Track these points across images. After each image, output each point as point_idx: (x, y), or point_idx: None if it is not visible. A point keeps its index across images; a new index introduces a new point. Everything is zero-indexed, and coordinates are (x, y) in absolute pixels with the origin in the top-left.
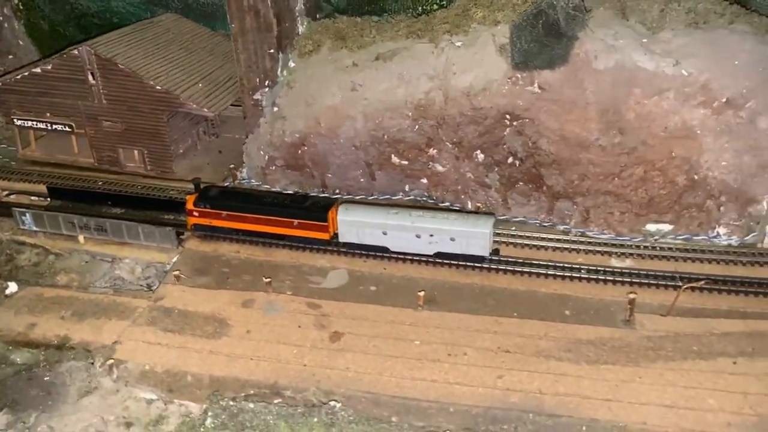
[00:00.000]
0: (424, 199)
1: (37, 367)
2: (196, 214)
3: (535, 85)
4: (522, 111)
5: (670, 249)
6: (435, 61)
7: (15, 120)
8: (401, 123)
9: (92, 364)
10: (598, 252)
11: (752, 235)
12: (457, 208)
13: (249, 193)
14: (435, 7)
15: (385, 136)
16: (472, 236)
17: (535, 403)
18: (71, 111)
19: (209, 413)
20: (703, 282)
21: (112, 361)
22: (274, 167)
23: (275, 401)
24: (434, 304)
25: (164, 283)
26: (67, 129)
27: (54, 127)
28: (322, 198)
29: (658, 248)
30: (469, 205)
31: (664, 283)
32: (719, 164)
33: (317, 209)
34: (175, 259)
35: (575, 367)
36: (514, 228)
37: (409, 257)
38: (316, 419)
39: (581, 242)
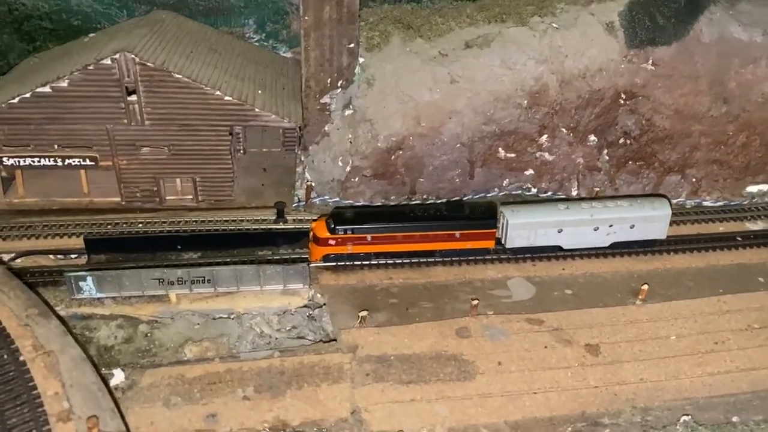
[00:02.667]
0: (521, 191)
1: None
2: (332, 242)
3: (650, 62)
4: (638, 89)
5: None
6: (539, 44)
7: (4, 159)
8: (513, 113)
9: None
10: (733, 219)
11: None
12: (617, 196)
13: (389, 211)
14: None
15: (497, 129)
16: (654, 220)
17: None
18: (94, 139)
19: None
20: None
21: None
22: (357, 178)
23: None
24: (653, 295)
25: (344, 329)
26: (88, 163)
27: (67, 162)
28: (477, 204)
29: None
30: (573, 192)
31: None
32: None
33: (481, 217)
34: (315, 298)
35: None
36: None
37: (578, 252)
38: None
39: (708, 212)
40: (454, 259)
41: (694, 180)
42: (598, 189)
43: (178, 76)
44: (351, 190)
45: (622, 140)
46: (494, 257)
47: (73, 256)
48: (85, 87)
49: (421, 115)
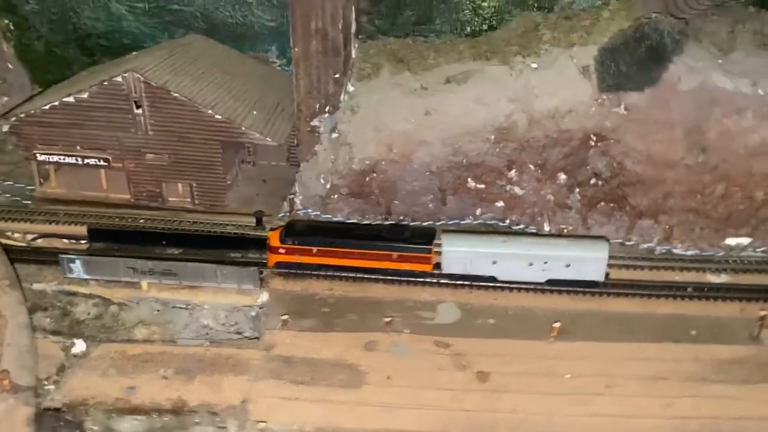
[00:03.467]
0: (495, 222)
1: None
2: (282, 251)
3: (622, 106)
4: (609, 132)
5: (756, 262)
6: (514, 83)
7: (38, 155)
8: (481, 147)
9: (224, 428)
10: (693, 269)
11: None
12: (561, 234)
13: (338, 226)
14: (485, 27)
15: (464, 161)
16: (589, 261)
17: (715, 430)
18: (108, 143)
19: None
20: None
21: (264, 424)
22: (336, 196)
23: None
24: (567, 335)
25: (269, 329)
26: (102, 163)
27: (86, 161)
28: (420, 228)
29: (745, 262)
30: (546, 228)
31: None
32: None
33: (419, 239)
34: (261, 301)
35: (731, 388)
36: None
37: (517, 286)
38: None
39: (671, 260)
40: (395, 278)
41: (666, 227)
42: (565, 227)
43: (175, 94)
44: (330, 206)
45: (593, 181)
46: (433, 281)
47: (83, 241)
48: (100, 99)
49: (394, 142)
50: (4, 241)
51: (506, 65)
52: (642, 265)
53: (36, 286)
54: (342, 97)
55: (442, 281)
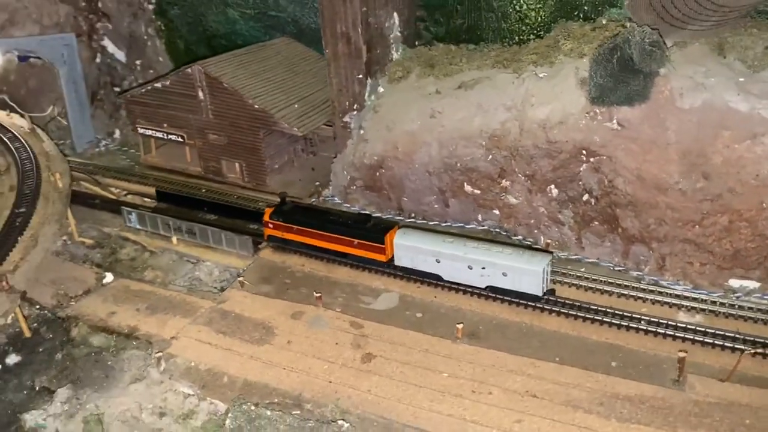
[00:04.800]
0: (497, 230)
1: (106, 351)
2: (270, 226)
3: (614, 121)
4: (598, 147)
5: (750, 309)
6: (514, 91)
7: (139, 128)
8: (474, 152)
9: (150, 354)
10: (667, 303)
11: None
12: (516, 243)
13: (319, 210)
14: (532, 37)
15: (458, 164)
16: (525, 273)
17: None
18: (183, 123)
19: (230, 414)
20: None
21: (160, 354)
22: (354, 187)
23: (294, 412)
24: (476, 339)
25: (231, 288)
26: (180, 139)
27: (169, 137)
28: (384, 221)
29: (736, 306)
30: (542, 241)
31: (728, 344)
32: None
33: (376, 231)
34: (250, 263)
35: (603, 422)
36: (583, 269)
37: (462, 288)
38: None
39: (649, 291)
40: (358, 265)
41: (659, 256)
42: (549, 241)
43: (226, 85)
44: (350, 196)
45: (585, 197)
46: (388, 271)
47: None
48: (178, 86)
49: (400, 141)
50: (103, 192)
51: (515, 73)
52: (610, 290)
53: (105, 229)
54: (369, 97)
55: (396, 273)
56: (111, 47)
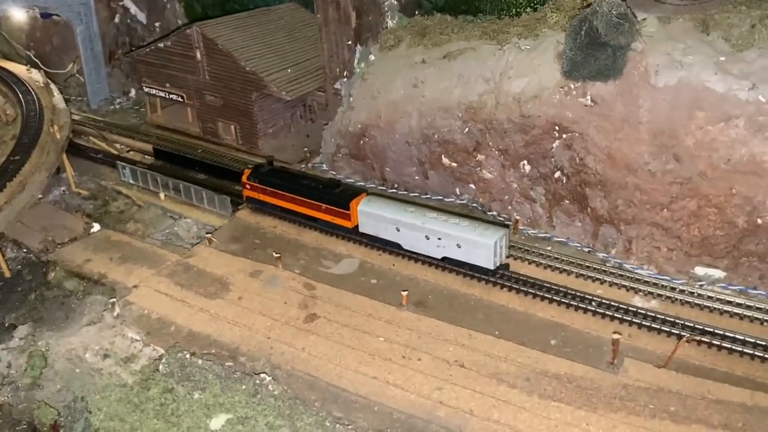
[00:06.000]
0: (474, 205)
1: (74, 295)
2: (248, 187)
3: (588, 97)
4: (571, 123)
5: (709, 298)
6: (495, 63)
7: (144, 87)
8: (452, 124)
9: (112, 299)
10: (624, 287)
11: None
12: (478, 217)
13: (294, 174)
14: (528, 10)
15: (436, 136)
16: (477, 245)
17: (459, 423)
18: (183, 83)
19: (164, 360)
20: (702, 337)
21: (114, 299)
22: (340, 155)
23: (227, 364)
24: (422, 308)
25: (200, 245)
26: (180, 99)
27: (170, 96)
28: (352, 187)
29: (695, 294)
30: (514, 217)
31: (675, 331)
32: None
33: (343, 197)
34: (223, 224)
35: (524, 397)
36: (550, 248)
37: (421, 258)
38: (244, 386)
39: (609, 273)
40: (326, 229)
41: (626, 239)
42: (518, 218)
43: (221, 47)
44: (336, 164)
45: (557, 175)
46: (353, 237)
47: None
48: (178, 47)
49: (383, 110)
50: (108, 148)
51: (499, 45)
52: (569, 270)
53: (102, 182)
54: (358, 64)
55: (361, 240)
56: (133, 8)
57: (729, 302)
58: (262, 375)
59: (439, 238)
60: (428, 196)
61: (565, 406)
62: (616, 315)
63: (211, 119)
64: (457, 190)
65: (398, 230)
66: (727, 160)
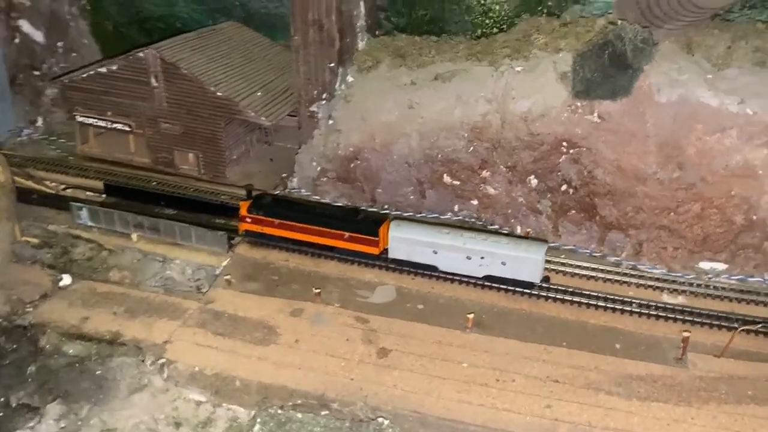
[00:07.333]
0: (473, 220)
1: (89, 360)
2: (248, 220)
3: (595, 114)
4: (579, 139)
5: (723, 289)
6: (494, 84)
7: (77, 116)
8: (456, 143)
9: (143, 361)
10: (650, 287)
11: None
12: (507, 232)
13: (301, 203)
14: (495, 30)
15: (439, 156)
16: (524, 261)
17: None
18: (132, 111)
19: (258, 420)
20: (760, 325)
21: (163, 360)
22: (325, 179)
23: (322, 413)
24: (482, 328)
25: (215, 287)
26: (127, 128)
27: (114, 125)
28: (373, 213)
29: (711, 287)
30: (519, 230)
31: (717, 323)
32: None
33: (369, 224)
34: (225, 263)
35: (625, 402)
36: (563, 256)
37: (458, 278)
38: None
39: (633, 275)
40: (348, 258)
41: (636, 242)
42: (529, 230)
43: (185, 71)
44: (320, 188)
45: (564, 187)
46: (380, 264)
47: (103, 195)
48: (127, 71)
49: (377, 132)
50: (39, 187)
51: (492, 66)
52: (596, 276)
53: (50, 227)
54: (340, 86)
55: (389, 266)
56: (26, 26)
57: (741, 291)
58: (380, 419)
59: (482, 257)
60: (423, 214)
61: (663, 404)
62: (660, 314)
63: (166, 148)
64: (456, 207)
65: (435, 253)
66: (725, 166)
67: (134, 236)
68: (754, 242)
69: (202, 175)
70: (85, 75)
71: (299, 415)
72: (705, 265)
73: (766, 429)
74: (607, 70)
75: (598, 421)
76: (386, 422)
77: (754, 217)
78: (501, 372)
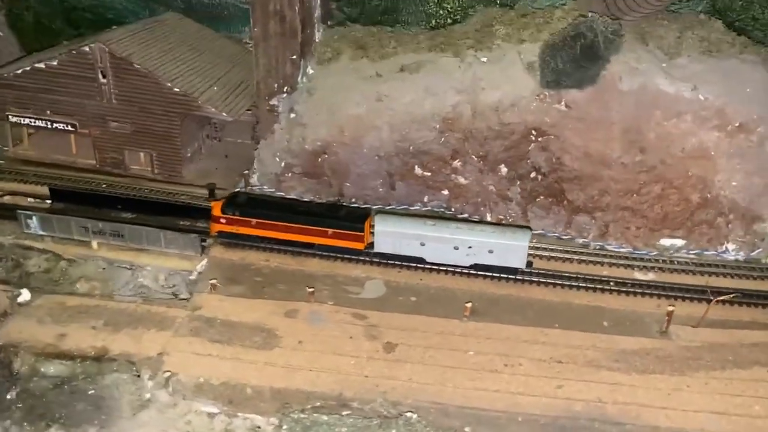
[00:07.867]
0: (442, 210)
1: (76, 380)
2: (222, 221)
3: (562, 103)
4: (548, 128)
5: (686, 263)
6: (461, 75)
7: (10, 117)
8: (427, 135)
9: (138, 376)
10: (621, 265)
11: (757, 251)
12: (488, 221)
13: (280, 201)
14: (449, 21)
15: (411, 147)
16: (511, 249)
17: (599, 412)
18: (75, 110)
19: (284, 426)
20: (733, 295)
21: (168, 373)
22: (290, 174)
23: (344, 413)
24: (477, 315)
25: (198, 292)
26: (70, 128)
27: (55, 125)
28: (356, 208)
29: (675, 262)
30: (488, 217)
31: (689, 296)
32: (730, 184)
33: (352, 219)
34: (200, 267)
35: (627, 376)
36: (534, 240)
37: (444, 268)
38: (394, 431)
39: (605, 255)
40: (331, 254)
41: (602, 223)
42: (502, 218)
43: (138, 66)
44: (284, 184)
45: (533, 174)
46: (365, 258)
47: (48, 201)
48: (69, 67)
49: (346, 125)
50: None
51: (457, 57)
52: (571, 258)
53: None
54: (301, 78)
55: (374, 260)
56: None
57: (704, 264)
58: (408, 414)
59: (470, 247)
60: (392, 206)
61: (660, 375)
62: (638, 291)
63: (115, 148)
64: (425, 197)
65: (422, 245)
66: (682, 148)
67: (95, 243)
68: (708, 218)
69: (155, 175)
70: (19, 71)
71: (324, 417)
72: (666, 241)
73: (752, 390)
74: (580, 61)
75: (607, 396)
76: (414, 416)
77: (708, 195)
78: (507, 357)
